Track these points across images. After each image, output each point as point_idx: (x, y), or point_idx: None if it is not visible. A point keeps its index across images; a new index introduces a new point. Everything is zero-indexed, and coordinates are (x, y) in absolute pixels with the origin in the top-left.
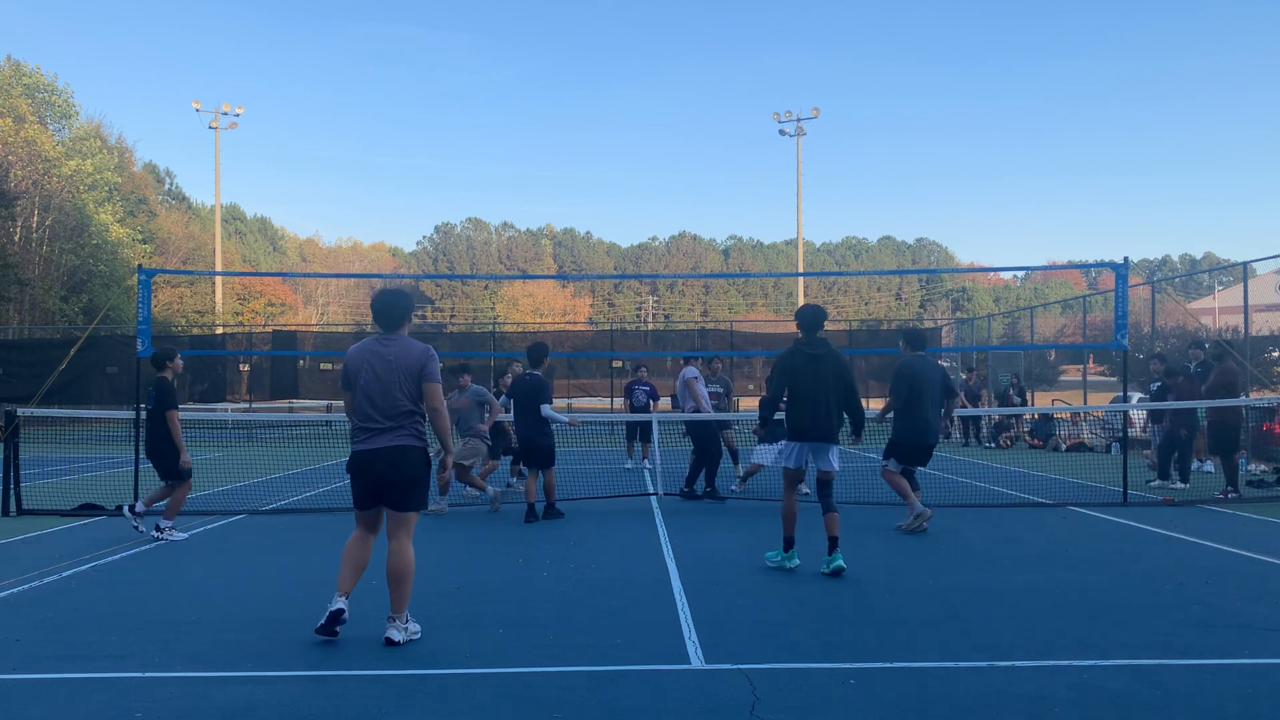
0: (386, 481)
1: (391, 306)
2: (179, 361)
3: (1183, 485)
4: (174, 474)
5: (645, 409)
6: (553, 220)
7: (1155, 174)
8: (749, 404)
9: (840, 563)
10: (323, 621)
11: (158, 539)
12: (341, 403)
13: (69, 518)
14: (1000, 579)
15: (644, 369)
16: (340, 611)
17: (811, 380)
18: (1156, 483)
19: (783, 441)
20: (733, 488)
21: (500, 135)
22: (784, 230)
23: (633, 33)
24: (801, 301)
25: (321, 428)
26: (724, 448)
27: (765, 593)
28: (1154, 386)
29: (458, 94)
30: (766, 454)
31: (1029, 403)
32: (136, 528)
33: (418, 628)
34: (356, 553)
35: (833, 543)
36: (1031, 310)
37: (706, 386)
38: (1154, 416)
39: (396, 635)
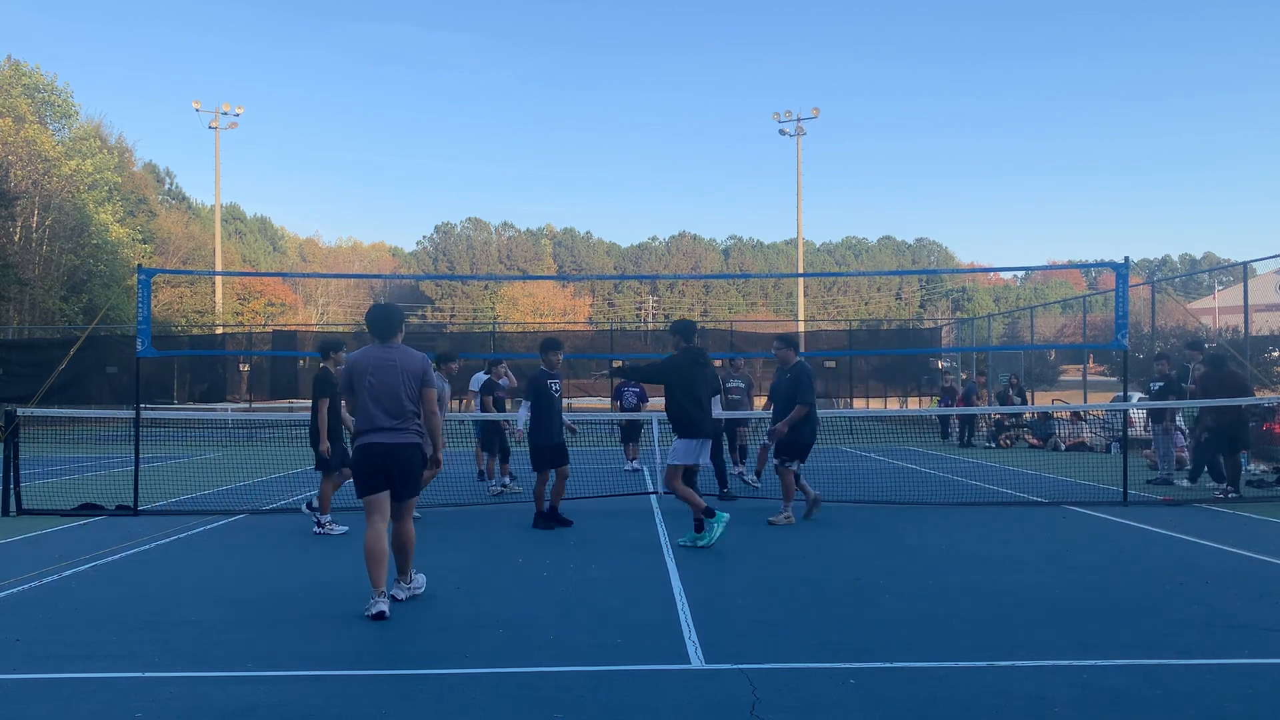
0: (394, 473)
1: (388, 318)
2: (343, 354)
3: (1189, 484)
4: (322, 465)
5: (635, 410)
6: (553, 220)
7: (1155, 174)
8: (758, 403)
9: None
10: (371, 616)
11: (316, 533)
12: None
13: (69, 518)
14: (1000, 579)
15: None
16: (383, 612)
17: (702, 385)
18: (1212, 484)
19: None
20: (747, 479)
21: (500, 135)
22: (784, 230)
23: (633, 33)
24: (801, 301)
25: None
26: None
27: (765, 593)
28: (1155, 386)
29: (458, 94)
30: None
31: (1029, 403)
32: (319, 523)
33: (423, 578)
34: (378, 546)
35: (699, 523)
36: (1031, 310)
37: (728, 383)
38: (1155, 417)
39: (401, 594)
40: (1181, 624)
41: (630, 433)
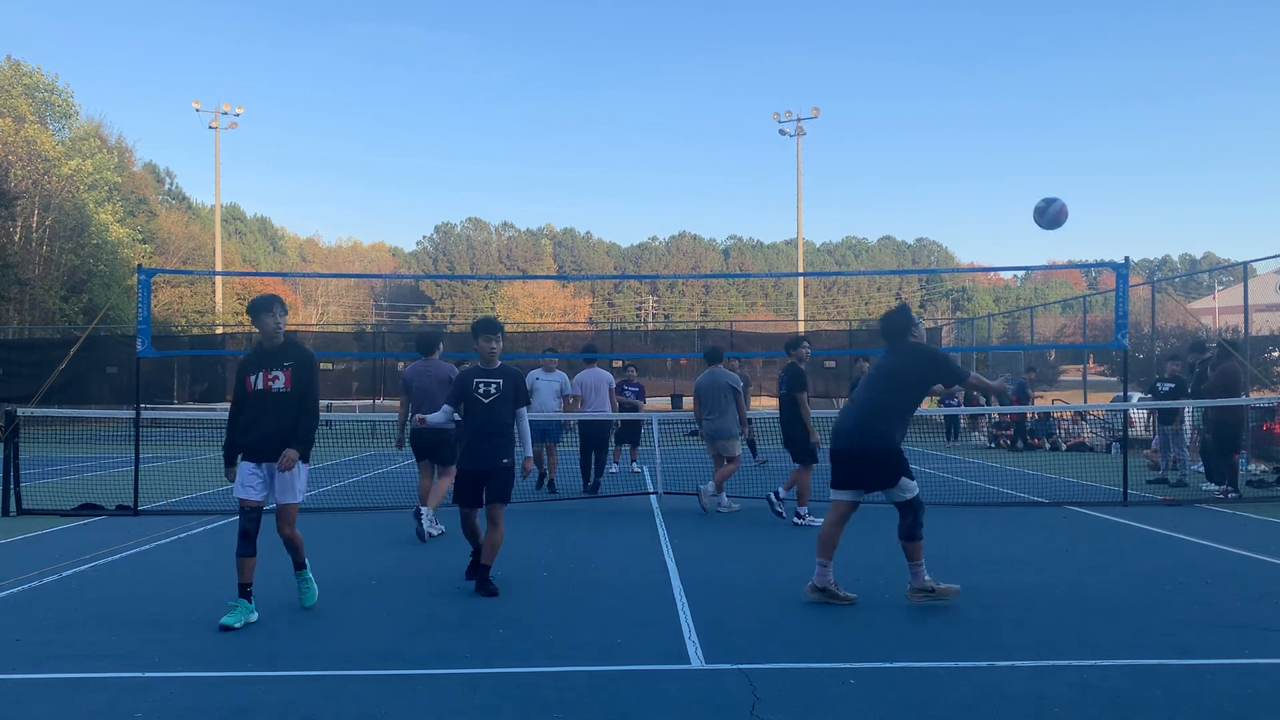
0: (437, 450)
1: (430, 341)
2: (804, 349)
3: (1214, 486)
4: (803, 457)
5: (633, 409)
6: (553, 220)
7: (1155, 174)
8: (756, 404)
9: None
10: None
11: (797, 524)
12: (340, 402)
13: (69, 518)
14: (1000, 579)
15: (632, 369)
16: (420, 511)
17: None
18: (1210, 485)
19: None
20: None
21: (500, 135)
22: (784, 230)
23: (633, 33)
24: (801, 301)
25: (321, 428)
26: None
27: (765, 593)
28: (1165, 387)
29: (458, 94)
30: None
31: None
32: (778, 513)
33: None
34: (427, 485)
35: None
36: (1031, 310)
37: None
38: (1162, 418)
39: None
40: (1181, 624)
41: (629, 434)
